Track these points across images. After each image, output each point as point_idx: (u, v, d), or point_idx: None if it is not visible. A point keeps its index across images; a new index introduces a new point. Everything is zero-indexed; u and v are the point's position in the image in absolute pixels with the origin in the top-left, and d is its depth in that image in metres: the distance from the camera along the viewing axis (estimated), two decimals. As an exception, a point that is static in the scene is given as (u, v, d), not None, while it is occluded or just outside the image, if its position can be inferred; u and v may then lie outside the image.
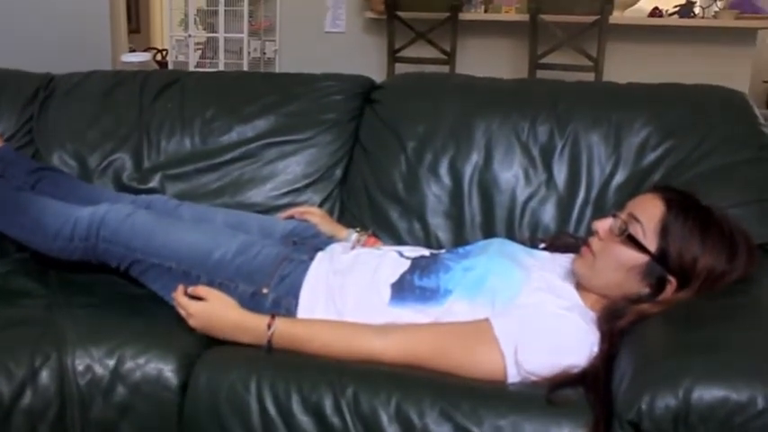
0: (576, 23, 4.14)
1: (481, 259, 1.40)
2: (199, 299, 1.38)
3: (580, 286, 1.35)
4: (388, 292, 1.36)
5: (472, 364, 1.22)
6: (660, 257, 1.25)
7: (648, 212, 1.28)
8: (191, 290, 1.40)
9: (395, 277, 1.38)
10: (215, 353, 1.32)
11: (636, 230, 1.27)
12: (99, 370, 1.29)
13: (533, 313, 1.26)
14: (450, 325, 1.29)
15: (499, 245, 1.47)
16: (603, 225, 1.32)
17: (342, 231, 1.73)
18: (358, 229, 1.72)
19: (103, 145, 2.00)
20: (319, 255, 1.49)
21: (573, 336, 1.22)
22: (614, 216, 1.33)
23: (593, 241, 1.34)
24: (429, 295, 1.34)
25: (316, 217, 1.75)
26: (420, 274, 1.38)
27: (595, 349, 1.21)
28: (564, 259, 1.45)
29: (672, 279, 1.25)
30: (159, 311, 1.47)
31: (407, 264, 1.42)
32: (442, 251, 1.51)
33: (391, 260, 1.43)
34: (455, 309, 1.31)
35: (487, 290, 1.32)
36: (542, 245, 1.56)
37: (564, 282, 1.36)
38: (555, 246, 1.54)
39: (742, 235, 1.30)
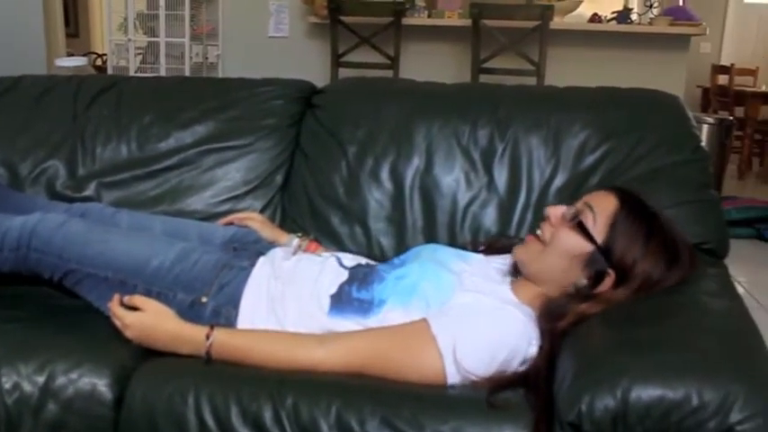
0: (517, 28, 4.20)
1: (413, 267, 1.40)
2: (135, 309, 1.34)
3: (515, 284, 1.37)
4: (327, 302, 1.35)
5: (412, 365, 1.22)
6: (605, 250, 1.28)
7: (602, 205, 1.31)
8: (126, 299, 1.36)
9: (334, 288, 1.37)
10: (151, 365, 1.29)
11: (587, 219, 1.30)
12: (27, 387, 1.24)
13: (469, 310, 1.27)
14: (389, 328, 1.29)
15: (431, 251, 1.48)
16: (556, 211, 1.35)
17: (283, 237, 1.70)
18: (299, 235, 1.70)
19: (35, 152, 1.93)
20: (261, 260, 1.47)
21: (511, 327, 1.23)
22: (568, 205, 1.35)
23: (545, 227, 1.35)
24: (366, 307, 1.33)
25: (256, 222, 1.72)
26: (358, 286, 1.37)
27: (534, 345, 1.23)
28: (499, 261, 1.46)
29: (611, 272, 1.27)
30: (93, 324, 1.42)
31: (346, 274, 1.41)
32: (379, 264, 1.51)
33: (331, 269, 1.42)
34: (390, 317, 1.31)
35: (420, 295, 1.32)
36: (481, 248, 1.57)
37: (498, 283, 1.37)
38: (492, 248, 1.55)
39: (685, 245, 1.34)
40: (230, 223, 1.73)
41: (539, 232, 1.37)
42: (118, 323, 1.34)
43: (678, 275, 1.28)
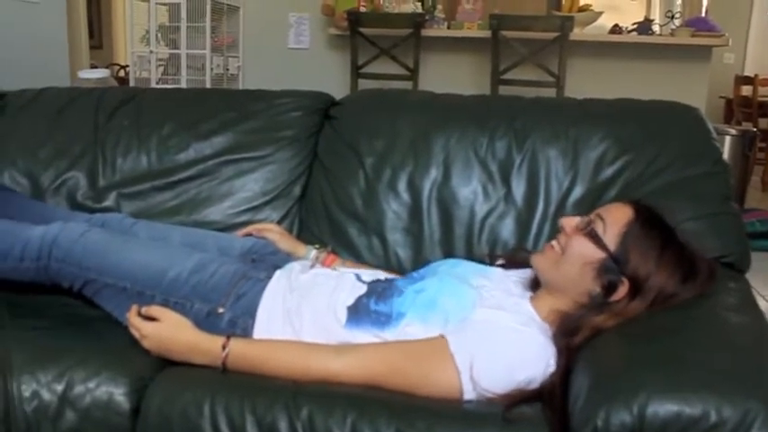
0: (537, 40, 4.19)
1: (432, 281, 1.40)
2: (153, 319, 1.35)
3: (534, 299, 1.36)
4: (344, 314, 1.35)
5: (428, 380, 1.22)
6: (616, 258, 1.28)
7: (614, 216, 1.32)
8: (144, 310, 1.37)
9: (351, 300, 1.37)
10: (168, 375, 1.29)
11: (598, 227, 1.31)
12: (46, 395, 1.25)
13: (489, 329, 1.26)
14: (406, 343, 1.28)
15: (450, 266, 1.48)
16: (570, 221, 1.36)
17: (301, 248, 1.71)
18: (317, 246, 1.71)
19: (57, 163, 1.96)
20: (277, 273, 1.47)
21: (530, 351, 1.23)
22: (582, 216, 1.37)
23: (561, 237, 1.36)
24: (384, 320, 1.33)
25: (274, 234, 1.73)
26: (376, 300, 1.37)
27: (552, 364, 1.22)
28: (519, 275, 1.45)
29: (624, 281, 1.27)
30: (111, 333, 1.44)
31: (364, 288, 1.41)
32: (398, 277, 1.51)
33: (349, 283, 1.42)
34: (409, 331, 1.30)
35: (439, 310, 1.31)
36: (500, 261, 1.56)
37: (518, 297, 1.37)
38: (511, 262, 1.54)
39: (703, 259, 1.33)
40: (249, 234, 1.74)
41: (554, 242, 1.37)
42: (136, 333, 1.35)
43: (695, 290, 1.27)
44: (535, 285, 1.41)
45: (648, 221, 1.32)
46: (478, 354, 1.21)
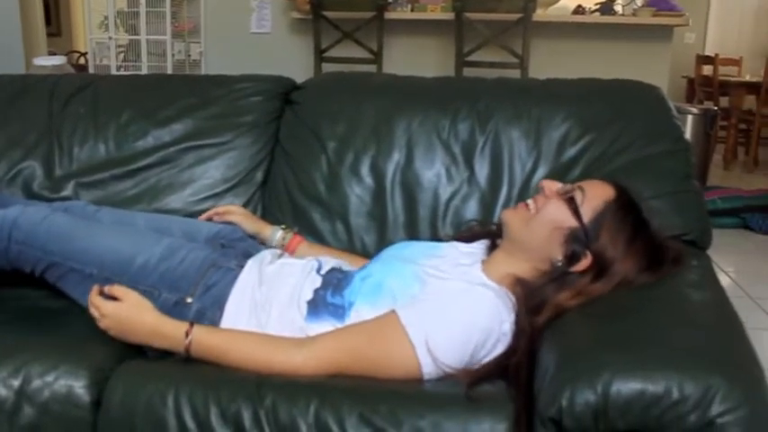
0: (501, 21, 4.19)
1: (376, 266, 1.41)
2: (114, 300, 1.32)
3: (486, 264, 1.37)
4: (305, 308, 1.34)
5: (385, 357, 1.22)
6: (587, 229, 1.28)
7: (595, 190, 1.33)
8: (107, 289, 1.34)
9: (310, 294, 1.36)
10: (129, 367, 1.27)
11: (577, 197, 1.32)
12: (2, 391, 1.22)
13: (437, 297, 1.27)
14: (360, 324, 1.28)
15: (397, 249, 1.48)
16: (552, 185, 1.37)
17: (266, 228, 1.69)
18: (283, 227, 1.68)
19: (11, 153, 1.90)
20: (249, 263, 1.45)
21: (481, 308, 1.24)
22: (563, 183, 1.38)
23: (538, 198, 1.37)
24: (341, 312, 1.33)
25: (237, 216, 1.70)
26: (332, 292, 1.36)
27: (506, 321, 1.23)
28: (470, 248, 1.46)
29: (588, 254, 1.27)
30: (70, 326, 1.41)
31: (320, 280, 1.40)
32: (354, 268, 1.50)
33: (308, 276, 1.41)
34: (361, 317, 1.30)
35: (386, 291, 1.32)
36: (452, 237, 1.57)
37: (467, 267, 1.37)
38: (465, 236, 1.55)
39: (672, 251, 1.34)
40: (210, 219, 1.71)
41: (530, 201, 1.38)
42: (95, 313, 1.32)
43: (655, 277, 1.28)
44: (492, 247, 1.42)
45: (626, 206, 1.33)
46: (430, 322, 1.21)
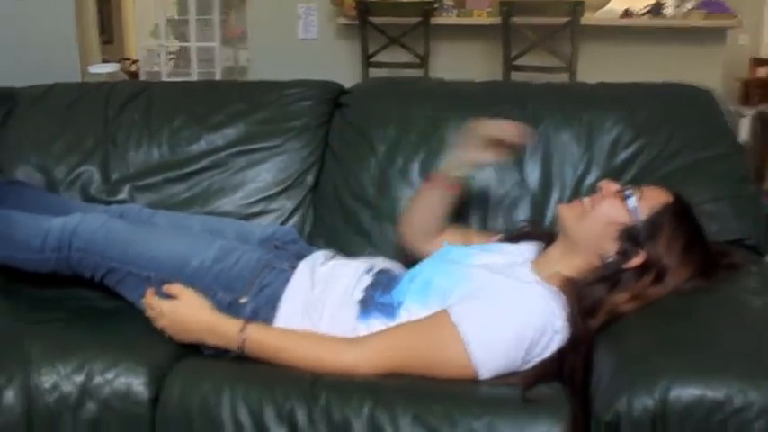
0: (548, 25, 4.16)
1: (424, 266, 1.42)
2: (171, 299, 1.36)
3: (537, 263, 1.37)
4: (356, 308, 1.36)
5: (438, 356, 1.22)
6: (642, 227, 1.28)
7: (653, 193, 1.33)
8: (165, 288, 1.38)
9: (361, 294, 1.38)
10: (186, 365, 1.30)
11: (635, 196, 1.31)
12: (66, 387, 1.26)
13: (489, 293, 1.26)
14: (410, 323, 1.29)
15: (443, 251, 1.48)
16: (610, 185, 1.36)
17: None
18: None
19: (69, 158, 1.96)
20: (301, 265, 1.47)
21: (533, 305, 1.23)
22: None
23: (595, 197, 1.37)
24: (389, 311, 1.33)
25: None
26: (382, 291, 1.37)
27: (559, 318, 1.22)
28: (522, 247, 1.46)
29: (640, 252, 1.26)
30: (130, 324, 1.45)
31: (370, 280, 1.41)
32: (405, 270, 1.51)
33: (361, 276, 1.42)
34: (412, 316, 1.31)
35: (435, 289, 1.32)
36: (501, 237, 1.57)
37: (517, 266, 1.38)
38: (517, 236, 1.54)
39: (727, 265, 1.32)
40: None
41: (586, 199, 1.37)
42: (152, 313, 1.36)
43: (707, 284, 1.26)
44: (540, 253, 1.42)
45: (684, 214, 1.32)
46: (482, 321, 1.21)
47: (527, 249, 1.46)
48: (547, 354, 1.21)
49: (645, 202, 1.31)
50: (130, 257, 1.48)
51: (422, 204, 1.58)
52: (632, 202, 1.31)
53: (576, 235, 1.34)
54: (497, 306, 1.24)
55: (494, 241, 1.56)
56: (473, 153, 1.50)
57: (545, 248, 1.43)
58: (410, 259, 1.57)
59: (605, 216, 1.32)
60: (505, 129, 1.48)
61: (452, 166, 1.54)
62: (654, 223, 1.28)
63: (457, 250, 1.47)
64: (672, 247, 1.27)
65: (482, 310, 1.23)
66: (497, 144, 1.49)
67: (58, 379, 1.26)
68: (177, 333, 1.34)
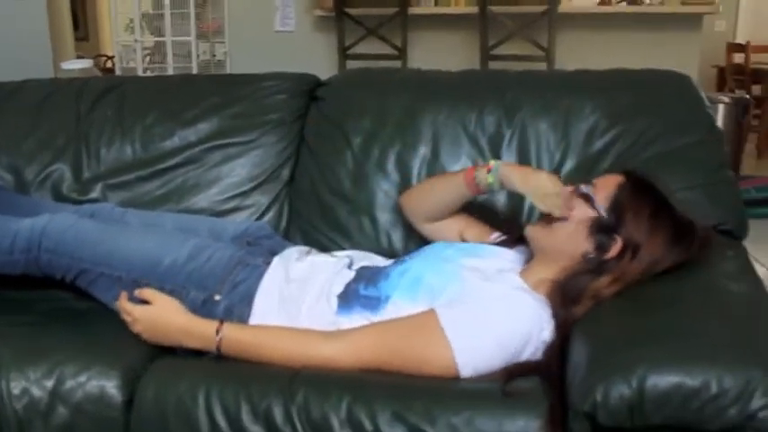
0: (525, 14, 4.15)
1: (416, 261, 1.40)
2: (145, 303, 1.34)
3: (525, 272, 1.36)
4: (335, 302, 1.34)
5: (421, 356, 1.21)
6: (607, 216, 1.28)
7: (604, 181, 1.34)
8: (137, 292, 1.36)
9: (340, 288, 1.36)
10: (160, 366, 1.28)
11: (588, 190, 1.32)
12: (37, 392, 1.23)
13: (479, 298, 1.25)
14: (396, 320, 1.28)
15: (436, 248, 1.47)
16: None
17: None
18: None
19: (40, 156, 1.92)
20: (275, 260, 1.46)
21: (521, 314, 1.23)
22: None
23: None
24: (374, 304, 1.32)
25: None
26: (365, 285, 1.36)
27: (546, 329, 1.21)
28: (508, 253, 1.44)
29: (617, 239, 1.27)
30: (102, 326, 1.43)
31: (352, 274, 1.40)
32: (389, 262, 1.49)
33: (339, 271, 1.41)
34: (399, 311, 1.29)
35: (425, 286, 1.31)
36: (497, 238, 1.54)
37: (507, 272, 1.36)
38: (504, 243, 1.51)
39: (699, 227, 1.31)
40: None
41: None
42: (127, 318, 1.34)
43: (688, 254, 1.27)
44: (530, 257, 1.41)
45: (639, 186, 1.32)
46: (469, 326, 1.20)
47: (517, 255, 1.44)
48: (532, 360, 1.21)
49: (600, 192, 1.31)
50: (101, 257, 1.46)
51: (438, 191, 1.55)
52: (589, 195, 1.31)
53: (551, 247, 1.34)
54: (486, 312, 1.23)
55: (491, 240, 1.53)
56: (545, 199, 1.36)
57: (530, 257, 1.41)
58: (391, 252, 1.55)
59: (572, 218, 1.31)
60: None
61: (494, 173, 1.43)
62: (616, 207, 1.29)
63: (452, 248, 1.46)
64: (639, 221, 1.27)
65: (470, 315, 1.22)
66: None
67: (28, 384, 1.24)
68: (153, 337, 1.32)
